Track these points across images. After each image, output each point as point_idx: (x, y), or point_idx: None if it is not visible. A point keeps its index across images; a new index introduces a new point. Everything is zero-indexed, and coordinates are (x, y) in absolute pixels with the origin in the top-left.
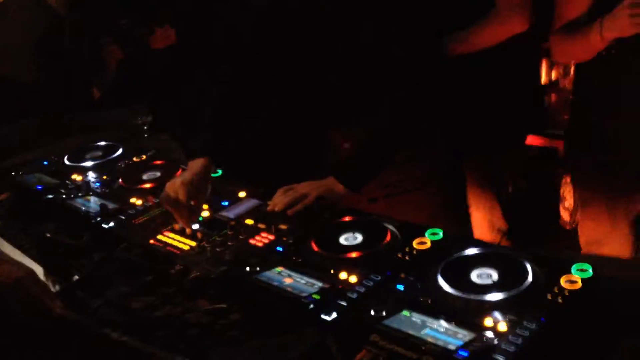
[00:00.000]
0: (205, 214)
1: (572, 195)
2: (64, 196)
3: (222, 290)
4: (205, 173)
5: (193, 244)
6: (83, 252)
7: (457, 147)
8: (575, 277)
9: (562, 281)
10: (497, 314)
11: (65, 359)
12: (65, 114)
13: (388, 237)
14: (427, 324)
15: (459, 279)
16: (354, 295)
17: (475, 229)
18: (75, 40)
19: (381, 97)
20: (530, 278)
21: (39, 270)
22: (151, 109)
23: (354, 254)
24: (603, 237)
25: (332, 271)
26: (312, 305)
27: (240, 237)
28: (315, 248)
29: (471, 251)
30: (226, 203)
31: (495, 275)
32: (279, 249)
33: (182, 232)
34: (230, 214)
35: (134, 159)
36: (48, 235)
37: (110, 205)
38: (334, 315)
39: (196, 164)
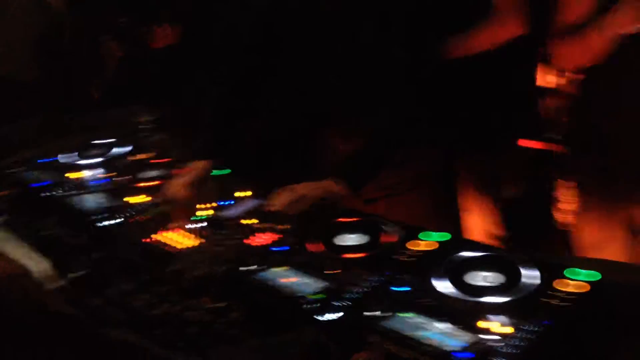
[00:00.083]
0: (206, 212)
1: (567, 198)
2: (63, 194)
3: (222, 289)
4: (205, 174)
5: (193, 242)
6: (82, 250)
7: (453, 148)
8: (579, 281)
9: (565, 284)
10: (497, 317)
11: (61, 355)
12: (65, 113)
13: (388, 238)
14: (427, 325)
15: (461, 280)
16: (354, 296)
17: (471, 234)
18: (75, 40)
19: (381, 97)
20: (533, 281)
21: (38, 267)
22: (151, 108)
23: (354, 254)
24: (601, 241)
25: (331, 271)
26: (311, 305)
27: (241, 236)
28: (314, 248)
29: (473, 253)
30: (227, 202)
31: (496, 278)
32: (279, 248)
33: (183, 231)
34: (231, 212)
35: (134, 157)
36: (47, 232)
37: (111, 203)
38: (333, 315)
39: (196, 165)
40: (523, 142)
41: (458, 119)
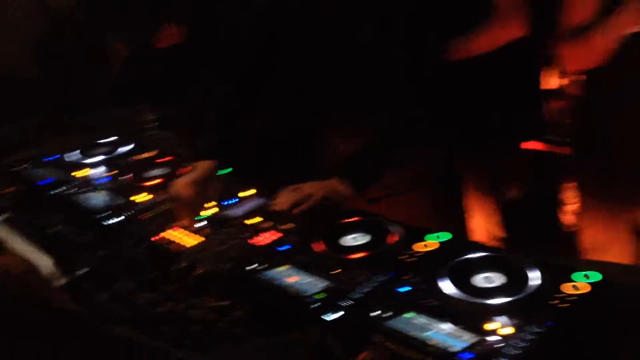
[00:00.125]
0: (211, 211)
1: (571, 200)
2: (70, 191)
3: (227, 288)
4: (211, 173)
5: (198, 240)
6: (88, 247)
7: (455, 149)
8: (582, 282)
9: (568, 286)
10: (501, 318)
11: (64, 351)
12: (69, 112)
13: (393, 238)
14: (431, 326)
15: (464, 281)
16: (358, 296)
17: (473, 235)
18: (77, 39)
19: (381, 97)
20: (535, 282)
21: (44, 263)
22: (155, 107)
23: (358, 254)
24: (605, 243)
25: (336, 271)
26: (315, 305)
27: (245, 235)
28: (319, 248)
29: (477, 254)
30: (232, 201)
31: (500, 279)
32: (284, 247)
33: (187, 229)
34: (236, 211)
35: (140, 155)
36: (53, 229)
37: (117, 201)
38: (337, 315)
39: (202, 164)
40: (526, 144)
41: (460, 119)
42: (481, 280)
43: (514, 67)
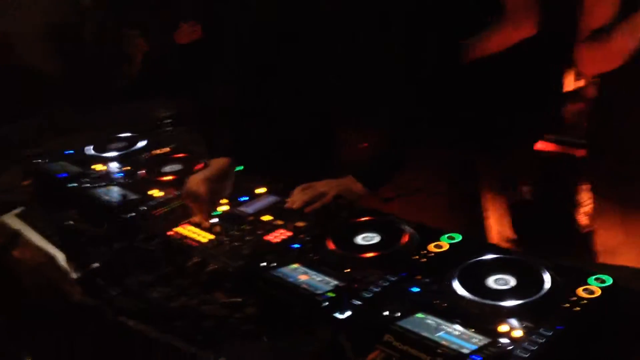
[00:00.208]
0: (224, 208)
1: (589, 201)
2: (86, 185)
3: (238, 285)
4: (227, 171)
5: (211, 237)
6: (103, 241)
7: (470, 149)
8: (594, 286)
9: (580, 290)
10: (512, 320)
11: (81, 343)
12: (85, 107)
13: (405, 238)
14: (442, 326)
15: (476, 283)
16: (369, 295)
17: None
18: (99, 34)
19: (394, 97)
20: (547, 285)
21: (59, 256)
22: (174, 103)
23: (370, 254)
24: (617, 246)
25: (347, 270)
26: (326, 303)
27: (258, 232)
28: (331, 246)
29: (489, 256)
30: (245, 198)
31: (512, 282)
32: (296, 245)
33: (200, 225)
34: (249, 209)
35: (156, 151)
36: (70, 222)
37: (132, 196)
38: (348, 314)
39: (218, 162)
40: (540, 145)
41: (473, 120)
42: (492, 282)
43: (527, 68)
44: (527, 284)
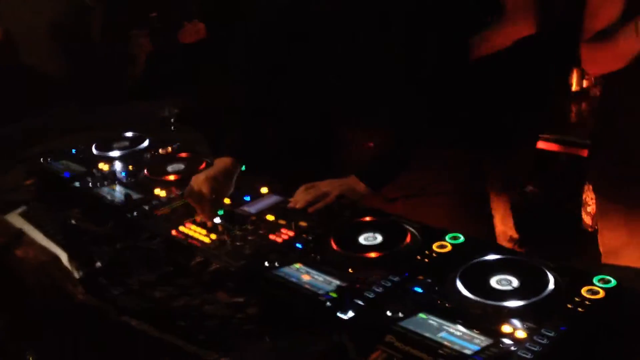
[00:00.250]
0: (227, 208)
1: (593, 202)
2: (90, 184)
3: (241, 284)
4: (231, 171)
5: (214, 237)
6: (106, 240)
7: (473, 148)
8: (598, 287)
9: (584, 291)
10: (515, 321)
11: (84, 343)
12: (90, 106)
13: (408, 239)
14: (444, 327)
15: (478, 283)
16: (371, 295)
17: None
18: (104, 33)
19: (386, 97)
20: (550, 286)
21: (63, 255)
22: (178, 103)
23: (373, 254)
24: (621, 247)
25: (350, 270)
26: (328, 303)
27: (261, 232)
28: (334, 246)
29: (491, 256)
30: (248, 198)
31: (515, 282)
32: (299, 245)
33: (203, 225)
34: (252, 209)
35: (160, 150)
36: (73, 221)
37: (135, 195)
38: (350, 314)
39: (222, 162)
40: (544, 145)
41: (477, 119)
42: (495, 282)
43: (532, 67)
44: (531, 285)
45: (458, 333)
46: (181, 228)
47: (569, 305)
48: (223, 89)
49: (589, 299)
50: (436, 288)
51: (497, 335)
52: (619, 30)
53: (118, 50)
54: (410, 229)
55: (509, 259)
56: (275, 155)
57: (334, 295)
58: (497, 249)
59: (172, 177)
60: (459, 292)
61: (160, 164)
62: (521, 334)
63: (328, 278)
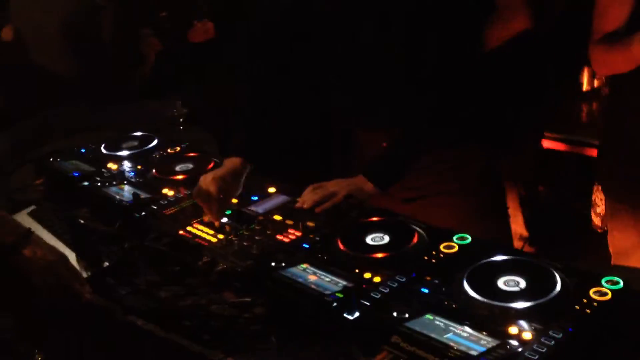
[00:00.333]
0: (235, 208)
1: (603, 202)
2: (98, 184)
3: (248, 284)
4: (239, 171)
5: (221, 236)
6: (114, 240)
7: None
8: (605, 288)
9: (591, 292)
10: (522, 322)
11: (91, 342)
12: (99, 105)
13: (415, 239)
14: (450, 328)
15: (485, 284)
16: (378, 296)
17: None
18: (114, 33)
19: (392, 97)
20: (558, 287)
21: (70, 255)
22: (187, 102)
23: (380, 254)
24: (631, 248)
25: (357, 270)
26: (334, 304)
27: (268, 232)
28: (341, 247)
29: (499, 257)
30: (255, 198)
31: (522, 283)
32: (306, 245)
33: (211, 225)
34: (259, 208)
35: (168, 150)
36: (81, 221)
37: (143, 195)
38: (357, 314)
39: (231, 162)
40: (553, 145)
41: (485, 119)
42: (503, 283)
43: (531, 64)
44: (538, 286)
45: (464, 334)
46: (189, 228)
47: (576, 307)
48: (229, 89)
49: (597, 301)
50: (443, 289)
51: (504, 336)
52: (635, 36)
53: (128, 50)
54: (417, 229)
55: (516, 259)
56: (283, 155)
57: (340, 295)
58: (505, 250)
59: (180, 177)
60: (466, 292)
61: (169, 163)
62: (528, 335)
63: (334, 278)
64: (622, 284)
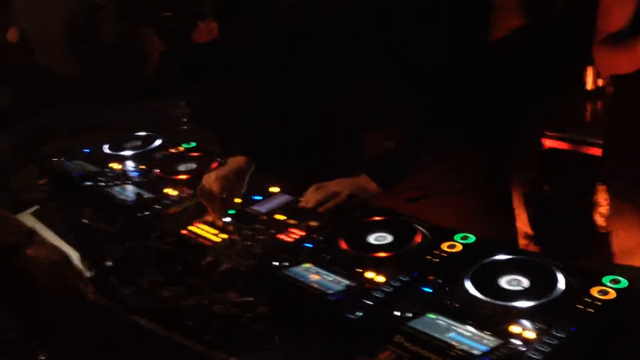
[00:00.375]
0: (238, 207)
1: (607, 202)
2: (101, 183)
3: (251, 284)
4: (243, 171)
5: (224, 236)
6: (117, 239)
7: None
8: (608, 287)
9: (594, 291)
10: (525, 322)
11: (94, 342)
12: (102, 105)
13: (418, 239)
14: (453, 327)
15: (488, 284)
16: (380, 295)
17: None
18: (116, 33)
19: (395, 96)
20: (561, 286)
21: (74, 255)
22: (190, 102)
23: (382, 254)
24: (635, 247)
25: (359, 270)
26: (337, 303)
27: (271, 231)
28: (344, 246)
29: (501, 257)
30: (258, 197)
31: (525, 282)
32: (309, 245)
33: (214, 224)
34: (262, 208)
35: (171, 150)
36: (84, 221)
37: (146, 195)
38: (359, 314)
39: (235, 161)
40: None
41: (489, 118)
42: (505, 283)
43: (546, 66)
44: (541, 285)
45: (467, 333)
46: (191, 227)
47: (579, 306)
48: (232, 89)
49: (600, 300)
50: (446, 288)
51: (507, 335)
52: (634, 35)
53: (132, 50)
54: (420, 228)
55: (519, 259)
56: (286, 155)
57: (342, 295)
58: (508, 249)
59: (183, 176)
60: (469, 292)
61: (172, 163)
62: (531, 334)
63: (337, 278)
64: (625, 283)
